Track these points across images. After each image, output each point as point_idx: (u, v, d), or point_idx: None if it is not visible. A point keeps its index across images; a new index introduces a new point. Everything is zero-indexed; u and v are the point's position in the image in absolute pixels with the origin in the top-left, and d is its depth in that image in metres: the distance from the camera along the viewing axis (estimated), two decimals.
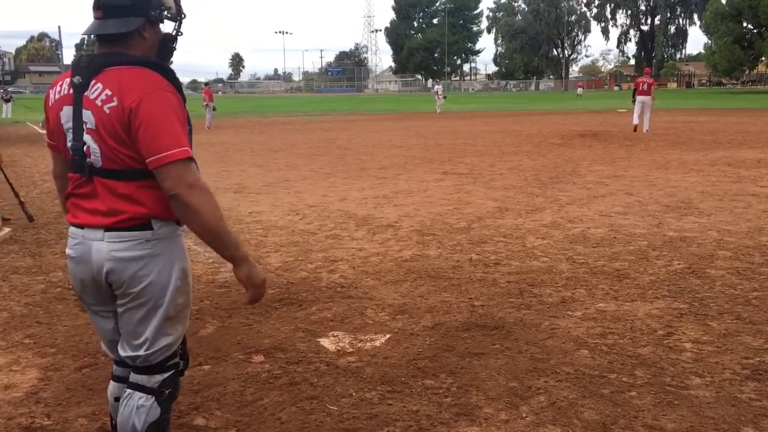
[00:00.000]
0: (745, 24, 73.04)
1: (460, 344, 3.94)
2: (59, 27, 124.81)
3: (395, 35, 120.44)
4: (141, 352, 2.35)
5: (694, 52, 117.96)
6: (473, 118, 29.57)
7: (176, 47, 2.41)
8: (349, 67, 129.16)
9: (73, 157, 2.26)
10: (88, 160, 2.23)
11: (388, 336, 4.11)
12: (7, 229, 7.13)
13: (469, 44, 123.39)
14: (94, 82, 2.19)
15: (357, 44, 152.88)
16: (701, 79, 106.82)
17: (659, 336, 4.02)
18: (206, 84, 29.02)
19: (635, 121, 19.12)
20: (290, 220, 7.63)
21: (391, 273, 5.45)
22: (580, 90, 69.97)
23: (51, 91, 2.34)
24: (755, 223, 7.01)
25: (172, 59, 2.42)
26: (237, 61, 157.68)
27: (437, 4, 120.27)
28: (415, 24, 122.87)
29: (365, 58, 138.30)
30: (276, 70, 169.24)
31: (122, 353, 2.39)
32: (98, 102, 2.17)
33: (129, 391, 2.40)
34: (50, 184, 10.62)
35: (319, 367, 3.69)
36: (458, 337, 4.05)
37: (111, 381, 2.60)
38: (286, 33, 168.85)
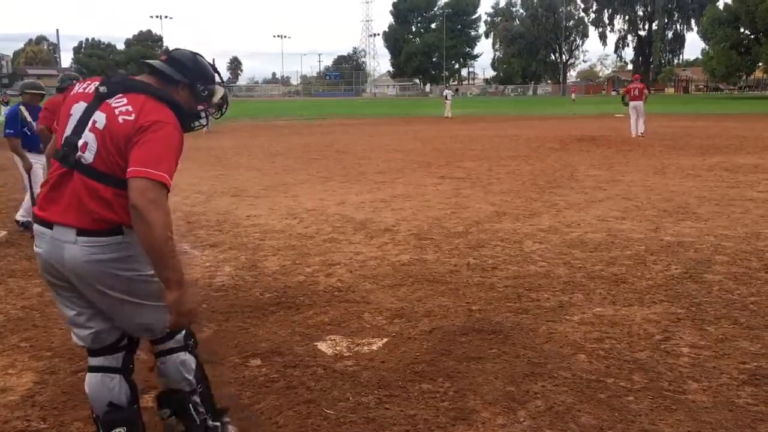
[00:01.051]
0: (742, 29, 73.22)
1: (457, 348, 3.94)
2: (57, 30, 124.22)
3: (393, 39, 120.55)
4: (153, 332, 2.64)
5: (692, 58, 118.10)
6: (471, 123, 29.59)
7: (193, 126, 2.73)
8: (347, 71, 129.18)
9: (62, 147, 2.45)
10: (78, 154, 2.40)
11: (385, 340, 4.11)
12: (3, 232, 7.12)
13: (467, 49, 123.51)
14: (120, 96, 2.45)
15: (355, 48, 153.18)
16: (699, 84, 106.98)
17: (656, 341, 4.02)
18: None
19: (633, 132, 19.28)
20: (288, 224, 7.63)
21: (388, 277, 5.45)
22: (573, 95, 70.07)
23: (78, 85, 2.60)
24: (752, 228, 7.02)
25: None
26: (235, 65, 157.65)
27: (435, 8, 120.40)
28: (414, 28, 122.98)
29: (363, 62, 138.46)
30: (274, 74, 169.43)
31: (134, 332, 2.65)
32: (116, 111, 2.41)
33: (164, 357, 2.69)
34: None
35: (316, 371, 3.68)
36: (456, 342, 4.04)
37: (89, 374, 2.66)
38: (285, 37, 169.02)
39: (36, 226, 2.47)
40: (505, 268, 5.64)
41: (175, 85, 2.58)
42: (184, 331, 2.71)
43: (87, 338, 2.61)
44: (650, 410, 3.17)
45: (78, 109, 2.48)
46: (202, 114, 2.72)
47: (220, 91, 2.72)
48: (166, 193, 2.33)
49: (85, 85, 2.55)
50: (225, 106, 2.80)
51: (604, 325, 4.28)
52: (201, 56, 2.70)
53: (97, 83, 2.51)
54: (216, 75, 2.73)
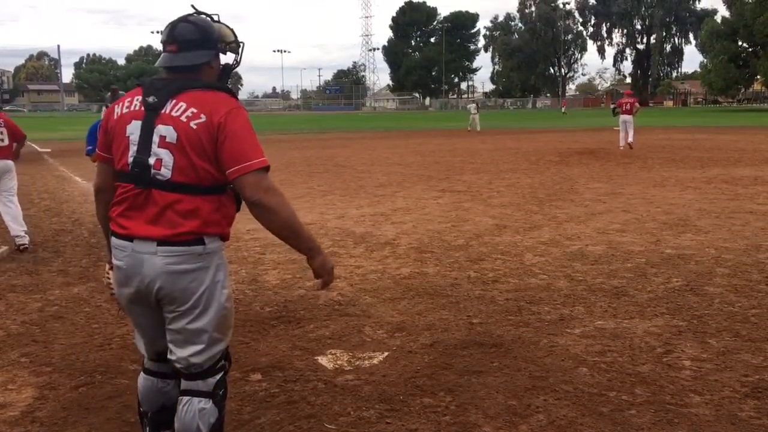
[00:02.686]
0: (740, 43, 73.59)
1: (458, 362, 3.93)
2: (58, 46, 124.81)
3: (393, 53, 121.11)
4: (197, 360, 2.50)
5: (690, 71, 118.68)
6: (471, 136, 29.66)
7: (233, 73, 2.70)
8: (347, 85, 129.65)
9: (131, 169, 2.39)
10: (152, 172, 2.36)
11: (386, 354, 4.09)
12: (4, 248, 7.11)
13: (467, 62, 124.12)
14: (175, 101, 2.38)
15: (355, 62, 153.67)
16: (697, 97, 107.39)
17: (658, 354, 4.01)
18: None
19: (621, 143, 19.86)
20: None
21: (389, 290, 5.44)
22: (564, 108, 70.16)
23: (117, 106, 2.51)
24: (753, 240, 7.02)
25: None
26: (235, 80, 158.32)
27: (435, 22, 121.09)
28: (413, 42, 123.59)
29: (363, 76, 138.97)
30: (274, 89, 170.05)
31: (174, 359, 2.52)
32: (183, 118, 2.35)
33: (187, 398, 2.53)
34: (48, 203, 10.63)
35: (317, 385, 3.67)
36: (457, 355, 4.03)
37: (143, 374, 2.72)
38: (284, 51, 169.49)
39: (116, 241, 2.45)
40: (506, 281, 5.64)
41: (208, 63, 2.51)
42: (216, 378, 2.56)
43: (150, 349, 2.65)
44: (653, 424, 3.16)
45: (134, 128, 2.41)
46: (234, 62, 2.66)
47: (227, 32, 2.60)
48: (269, 175, 2.39)
49: (127, 104, 2.47)
50: (241, 44, 2.68)
51: (605, 338, 4.27)
52: (197, 17, 2.53)
53: (140, 96, 2.44)
54: (212, 19, 2.58)
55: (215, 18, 2.59)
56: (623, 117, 19.99)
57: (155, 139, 2.37)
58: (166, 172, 2.35)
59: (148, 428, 2.72)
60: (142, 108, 2.41)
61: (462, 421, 3.23)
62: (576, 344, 4.18)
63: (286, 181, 13.41)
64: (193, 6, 2.59)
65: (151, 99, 2.40)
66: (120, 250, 2.44)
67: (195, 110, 2.35)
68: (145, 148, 2.38)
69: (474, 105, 37.88)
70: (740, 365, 3.82)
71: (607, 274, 5.80)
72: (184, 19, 2.50)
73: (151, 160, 2.37)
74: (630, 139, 19.68)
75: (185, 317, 2.44)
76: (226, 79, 2.65)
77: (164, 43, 2.49)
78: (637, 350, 4.07)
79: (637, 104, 20.86)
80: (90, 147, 5.96)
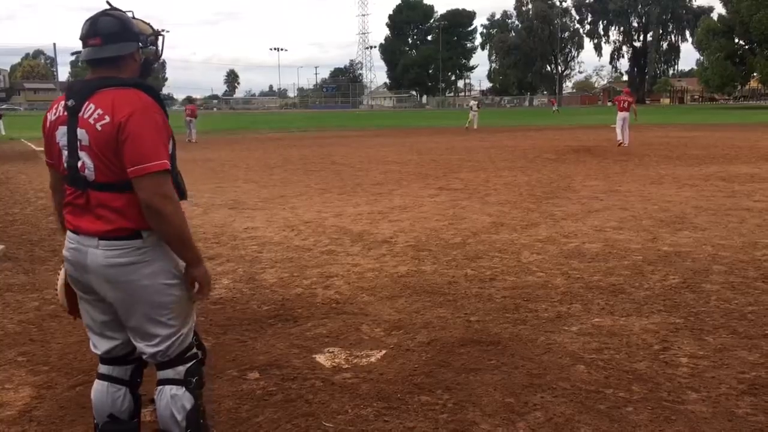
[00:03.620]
0: (736, 40, 73.77)
1: (456, 360, 3.93)
2: (54, 44, 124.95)
3: (390, 52, 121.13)
4: (160, 348, 2.54)
5: (687, 68, 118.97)
6: (467, 134, 29.67)
7: (155, 67, 2.72)
8: (343, 83, 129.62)
9: (69, 173, 2.46)
10: (82, 174, 2.42)
11: (383, 352, 4.10)
12: (0, 246, 7.10)
13: (464, 60, 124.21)
14: (87, 103, 2.39)
15: (352, 60, 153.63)
16: (694, 94, 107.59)
17: (655, 351, 4.02)
18: (191, 101, 31.55)
19: (619, 137, 20.06)
20: (285, 236, 7.63)
21: (386, 289, 5.44)
22: (555, 106, 69.82)
23: (48, 113, 2.55)
24: (749, 237, 7.03)
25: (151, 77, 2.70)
26: (232, 78, 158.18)
27: (431, 20, 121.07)
28: (410, 40, 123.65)
29: (360, 74, 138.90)
30: (271, 87, 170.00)
31: (142, 351, 2.57)
32: (91, 120, 2.37)
33: (160, 387, 2.59)
34: (44, 201, 10.60)
35: (314, 383, 3.67)
36: (454, 353, 4.04)
37: (97, 380, 2.73)
38: (281, 50, 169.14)
39: (69, 233, 2.52)
40: (503, 279, 5.64)
41: (126, 58, 2.48)
42: (187, 366, 2.60)
43: (100, 346, 2.67)
44: (650, 421, 3.16)
45: (62, 134, 2.46)
46: (155, 55, 2.65)
47: (144, 26, 2.59)
48: (170, 179, 2.38)
49: (54, 111, 2.50)
50: (161, 35, 2.68)
51: (602, 336, 4.28)
52: (117, 12, 2.52)
53: (63, 101, 2.47)
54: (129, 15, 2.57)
55: (131, 14, 2.58)
56: (621, 114, 20.22)
57: (78, 144, 2.42)
58: (90, 174, 2.41)
59: None
60: (65, 112, 2.45)
61: (460, 418, 3.23)
62: (573, 342, 4.19)
63: (283, 179, 13.41)
64: (108, 2, 2.56)
65: (70, 103, 2.43)
66: (69, 241, 2.52)
67: (101, 111, 2.36)
68: (73, 153, 2.43)
69: (475, 103, 38.04)
70: (737, 362, 3.83)
71: (604, 271, 5.81)
72: (103, 14, 2.49)
73: (79, 164, 2.43)
74: (626, 140, 19.86)
75: (135, 310, 2.47)
76: (147, 74, 2.65)
77: (86, 38, 2.46)
78: (634, 347, 4.07)
79: (634, 104, 21.20)
80: None
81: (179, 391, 2.56)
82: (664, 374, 3.68)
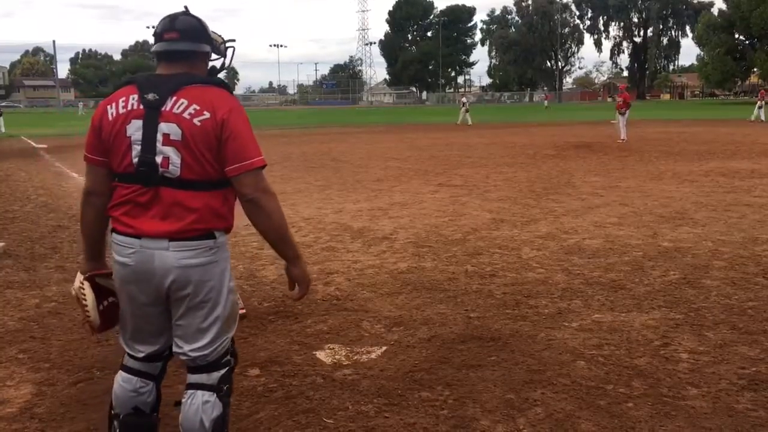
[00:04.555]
0: (737, 35, 73.68)
1: (456, 356, 3.93)
2: (54, 41, 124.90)
3: (389, 48, 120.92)
4: (205, 352, 2.51)
5: (687, 64, 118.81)
6: (467, 130, 29.65)
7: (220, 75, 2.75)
8: (343, 79, 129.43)
9: (137, 169, 2.37)
10: (161, 170, 2.35)
11: (384, 348, 4.10)
12: (1, 244, 7.10)
13: (463, 56, 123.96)
14: (175, 98, 2.36)
15: (351, 57, 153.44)
16: (694, 90, 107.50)
17: (655, 347, 4.02)
18: None
19: (623, 135, 20.36)
20: None
21: (386, 285, 5.44)
22: (547, 102, 69.37)
23: (109, 106, 2.44)
24: (749, 233, 7.03)
25: None
26: (232, 75, 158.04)
27: (431, 16, 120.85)
28: (410, 36, 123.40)
29: (360, 70, 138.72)
30: (271, 83, 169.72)
31: (180, 352, 2.53)
32: (186, 115, 2.34)
33: (191, 391, 2.53)
34: (45, 198, 10.60)
35: (315, 380, 3.67)
36: (454, 349, 4.04)
37: (121, 372, 2.65)
38: (281, 46, 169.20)
39: (119, 238, 2.41)
40: (503, 275, 5.64)
41: (199, 56, 2.53)
42: (221, 372, 2.56)
43: (142, 349, 2.60)
44: (650, 416, 3.17)
45: (135, 128, 2.37)
46: (222, 65, 2.70)
47: (216, 36, 2.65)
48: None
49: (122, 104, 2.41)
50: (232, 48, 2.74)
51: (602, 332, 4.28)
52: (192, 14, 2.55)
53: (135, 95, 2.40)
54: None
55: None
56: (619, 111, 20.80)
57: (159, 137, 2.35)
58: (174, 170, 2.35)
59: (117, 428, 2.63)
60: (141, 106, 2.37)
61: (460, 414, 3.23)
62: (573, 338, 4.19)
63: (283, 176, 13.39)
64: (185, 7, 2.59)
65: (150, 96, 2.37)
66: (125, 247, 2.40)
67: (198, 107, 2.34)
68: (150, 147, 2.35)
69: (465, 99, 38.46)
70: (737, 358, 3.83)
71: (604, 267, 5.81)
72: (183, 13, 2.52)
73: (158, 159, 2.35)
74: (623, 136, 20.25)
75: (197, 311, 2.45)
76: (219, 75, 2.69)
77: (162, 32, 2.46)
78: (634, 343, 4.08)
79: (630, 100, 21.86)
80: None
81: (211, 398, 2.51)
82: (664, 370, 3.69)
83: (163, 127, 2.34)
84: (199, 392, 2.51)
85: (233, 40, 2.72)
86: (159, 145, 2.35)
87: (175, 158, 2.34)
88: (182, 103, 2.35)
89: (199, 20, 2.53)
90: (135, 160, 2.37)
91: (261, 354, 4.05)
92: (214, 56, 2.63)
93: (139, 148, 2.36)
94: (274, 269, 6.03)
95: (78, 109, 65.29)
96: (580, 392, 3.43)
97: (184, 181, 2.35)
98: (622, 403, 3.30)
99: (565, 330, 4.33)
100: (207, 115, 2.34)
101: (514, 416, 3.21)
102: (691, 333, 4.23)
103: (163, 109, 2.35)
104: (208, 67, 2.61)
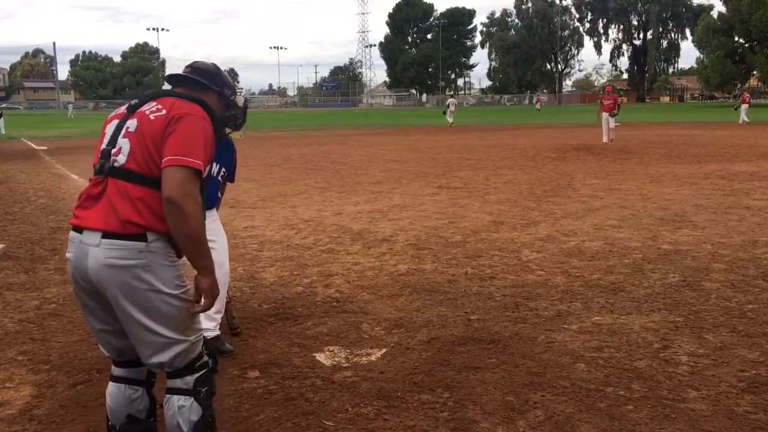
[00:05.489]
0: (736, 38, 73.72)
1: (456, 358, 3.93)
2: (54, 43, 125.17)
3: (389, 50, 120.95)
4: (162, 359, 2.47)
5: (687, 66, 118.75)
6: (467, 132, 29.66)
7: (224, 131, 3.06)
8: (343, 81, 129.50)
9: (99, 160, 2.48)
10: (111, 159, 2.44)
11: (384, 350, 4.10)
12: (0, 245, 7.10)
13: (463, 59, 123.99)
14: (153, 103, 2.53)
15: (351, 59, 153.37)
16: (693, 93, 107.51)
17: (655, 349, 4.02)
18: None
19: (605, 138, 20.81)
20: (285, 235, 7.63)
21: (386, 287, 5.44)
22: (538, 104, 68.93)
23: (110, 115, 2.66)
24: (749, 235, 7.03)
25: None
26: (232, 77, 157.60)
27: (431, 19, 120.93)
28: (410, 39, 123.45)
29: (360, 72, 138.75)
30: (271, 85, 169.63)
31: (145, 361, 2.51)
32: (146, 112, 2.49)
33: (167, 396, 2.52)
34: (45, 200, 10.61)
35: (314, 382, 3.67)
36: (454, 351, 4.04)
37: (110, 382, 2.68)
38: (281, 48, 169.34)
39: (71, 233, 2.47)
40: (503, 278, 5.64)
41: (205, 91, 2.70)
42: (196, 376, 2.52)
43: (111, 351, 2.64)
44: (650, 419, 3.17)
45: (111, 126, 2.54)
46: (231, 119, 2.93)
47: (241, 99, 2.92)
48: (199, 183, 2.39)
49: (116, 111, 2.63)
50: (245, 115, 3.04)
51: (602, 334, 4.28)
52: (214, 64, 2.86)
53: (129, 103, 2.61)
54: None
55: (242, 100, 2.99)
56: (605, 114, 20.95)
57: (122, 131, 2.48)
58: (121, 159, 2.43)
59: None
60: (124, 110, 2.57)
61: (460, 417, 3.23)
62: (573, 340, 4.19)
63: (283, 177, 13.40)
64: (214, 64, 2.91)
65: (133, 102, 2.58)
66: (71, 241, 2.47)
67: (159, 106, 2.49)
68: (113, 140, 2.49)
69: (453, 101, 39.66)
70: (737, 360, 3.83)
71: (604, 270, 5.81)
72: (211, 62, 2.87)
73: (114, 149, 2.46)
74: (611, 136, 20.60)
75: (134, 317, 2.40)
76: (219, 124, 2.78)
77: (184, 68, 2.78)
78: (634, 346, 4.08)
79: (618, 101, 22.28)
80: None
81: (187, 402, 2.49)
82: (664, 372, 3.69)
83: (129, 122, 2.49)
84: (175, 397, 2.50)
85: (248, 100, 3.10)
86: (119, 138, 2.48)
87: (126, 148, 2.43)
88: (152, 106, 2.51)
89: (216, 66, 2.83)
90: (100, 150, 2.50)
91: (260, 356, 4.05)
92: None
93: (106, 141, 2.51)
94: (273, 271, 6.03)
95: (68, 111, 64.85)
96: (579, 394, 3.43)
97: (128, 172, 2.40)
98: (622, 406, 3.30)
99: (565, 332, 4.33)
100: (163, 112, 2.45)
101: (514, 418, 3.20)
102: (690, 335, 4.23)
103: (137, 110, 2.52)
104: (220, 114, 2.77)
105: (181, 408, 2.48)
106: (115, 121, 2.54)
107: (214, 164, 4.04)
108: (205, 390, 2.54)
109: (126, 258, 2.34)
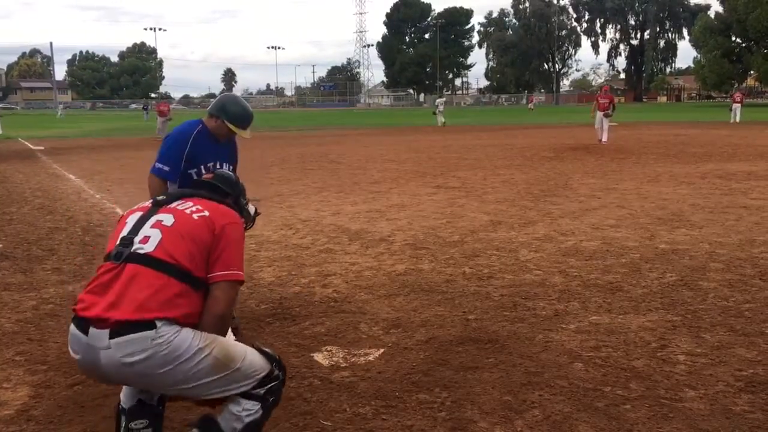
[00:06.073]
0: (733, 38, 73.82)
1: (454, 358, 3.93)
2: (51, 43, 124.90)
3: (387, 50, 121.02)
4: (218, 399, 2.58)
5: (684, 66, 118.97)
6: (465, 132, 29.67)
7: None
8: (341, 81, 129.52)
9: (117, 247, 2.51)
10: (135, 246, 2.47)
11: (381, 350, 4.10)
12: None
13: (461, 59, 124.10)
14: (183, 200, 2.69)
15: (349, 59, 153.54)
16: (691, 92, 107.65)
17: (653, 348, 4.03)
18: (164, 98, 32.90)
19: (599, 136, 20.98)
20: (283, 235, 7.62)
21: (384, 287, 5.44)
22: (531, 104, 68.60)
23: (132, 208, 2.76)
24: (746, 235, 7.04)
25: None
26: (229, 77, 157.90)
27: (429, 19, 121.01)
28: (407, 39, 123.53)
29: (357, 72, 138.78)
30: (268, 85, 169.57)
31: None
32: (186, 210, 2.61)
33: (237, 397, 2.58)
34: (42, 200, 10.59)
35: (312, 382, 3.67)
36: (452, 351, 4.04)
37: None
38: (279, 48, 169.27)
39: (72, 328, 2.41)
40: (501, 277, 5.65)
41: (225, 197, 2.89)
42: (267, 386, 2.61)
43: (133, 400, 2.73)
44: (647, 418, 3.17)
45: (134, 217, 2.62)
46: (245, 225, 3.11)
47: (252, 208, 3.28)
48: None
49: (139, 204, 2.75)
50: (253, 222, 3.45)
51: (600, 334, 4.28)
52: (235, 176, 3.19)
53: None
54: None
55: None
56: (600, 113, 21.06)
57: (150, 222, 2.53)
58: (149, 247, 2.45)
59: (124, 420, 2.66)
60: (149, 204, 2.70)
61: (458, 416, 3.24)
62: (571, 340, 4.19)
63: (281, 177, 13.39)
64: (234, 175, 3.30)
65: (160, 198, 2.72)
66: (75, 340, 2.41)
67: (200, 207, 2.63)
68: (136, 229, 2.54)
69: (442, 101, 39.67)
70: (734, 360, 3.84)
71: (601, 269, 5.82)
72: (230, 174, 3.19)
73: (137, 238, 2.48)
74: (604, 137, 20.65)
75: (178, 391, 2.48)
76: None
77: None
78: (631, 345, 4.08)
79: (613, 101, 22.26)
80: (161, 166, 4.12)
81: (254, 407, 2.59)
82: (661, 372, 3.69)
83: (159, 215, 2.58)
84: (244, 399, 2.58)
85: (258, 214, 3.59)
86: (146, 227, 2.53)
87: (155, 238, 2.48)
88: (187, 204, 2.65)
89: (236, 179, 3.15)
90: (117, 240, 2.53)
91: None
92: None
93: (128, 229, 2.56)
94: (271, 271, 6.03)
95: (58, 112, 64.51)
96: (577, 394, 3.43)
97: (151, 259, 2.42)
98: (620, 405, 3.31)
99: (563, 332, 4.34)
100: (206, 213, 2.59)
101: (511, 418, 3.21)
102: (688, 335, 4.24)
103: (166, 205, 2.64)
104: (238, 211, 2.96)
105: (248, 410, 2.57)
106: (139, 213, 2.63)
107: (225, 165, 4.28)
108: (272, 399, 2.65)
109: (141, 351, 2.30)
